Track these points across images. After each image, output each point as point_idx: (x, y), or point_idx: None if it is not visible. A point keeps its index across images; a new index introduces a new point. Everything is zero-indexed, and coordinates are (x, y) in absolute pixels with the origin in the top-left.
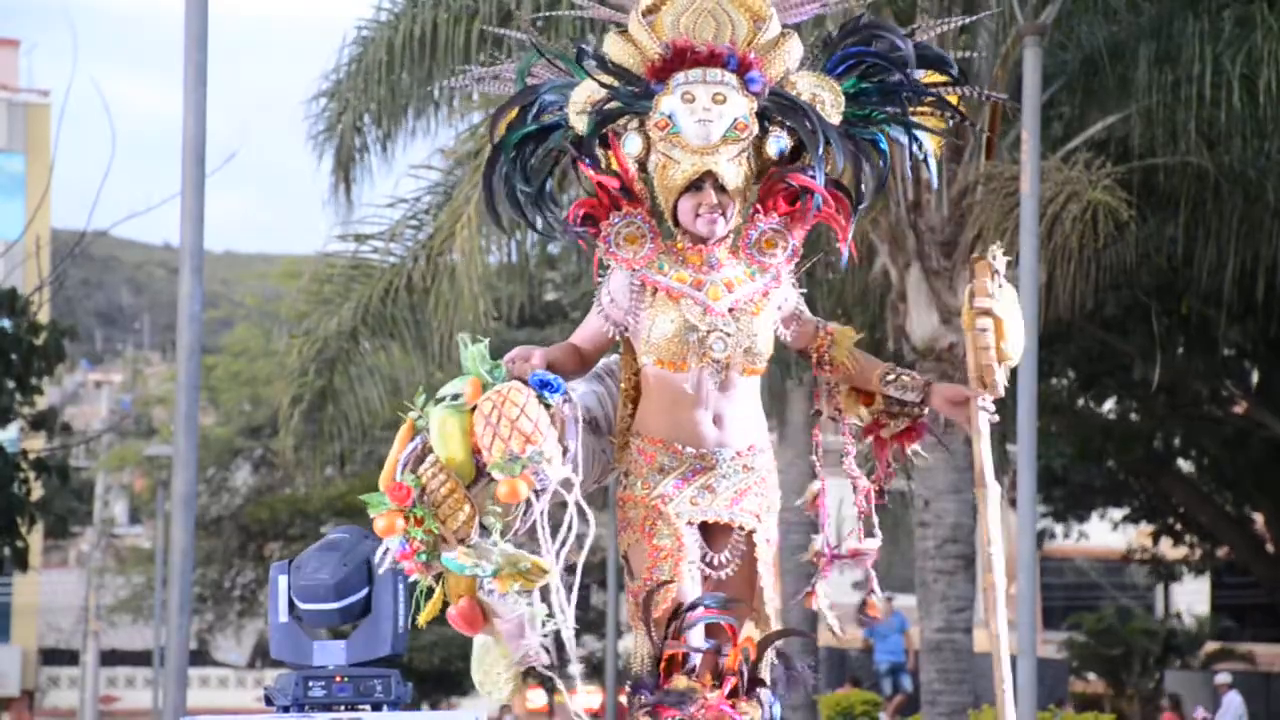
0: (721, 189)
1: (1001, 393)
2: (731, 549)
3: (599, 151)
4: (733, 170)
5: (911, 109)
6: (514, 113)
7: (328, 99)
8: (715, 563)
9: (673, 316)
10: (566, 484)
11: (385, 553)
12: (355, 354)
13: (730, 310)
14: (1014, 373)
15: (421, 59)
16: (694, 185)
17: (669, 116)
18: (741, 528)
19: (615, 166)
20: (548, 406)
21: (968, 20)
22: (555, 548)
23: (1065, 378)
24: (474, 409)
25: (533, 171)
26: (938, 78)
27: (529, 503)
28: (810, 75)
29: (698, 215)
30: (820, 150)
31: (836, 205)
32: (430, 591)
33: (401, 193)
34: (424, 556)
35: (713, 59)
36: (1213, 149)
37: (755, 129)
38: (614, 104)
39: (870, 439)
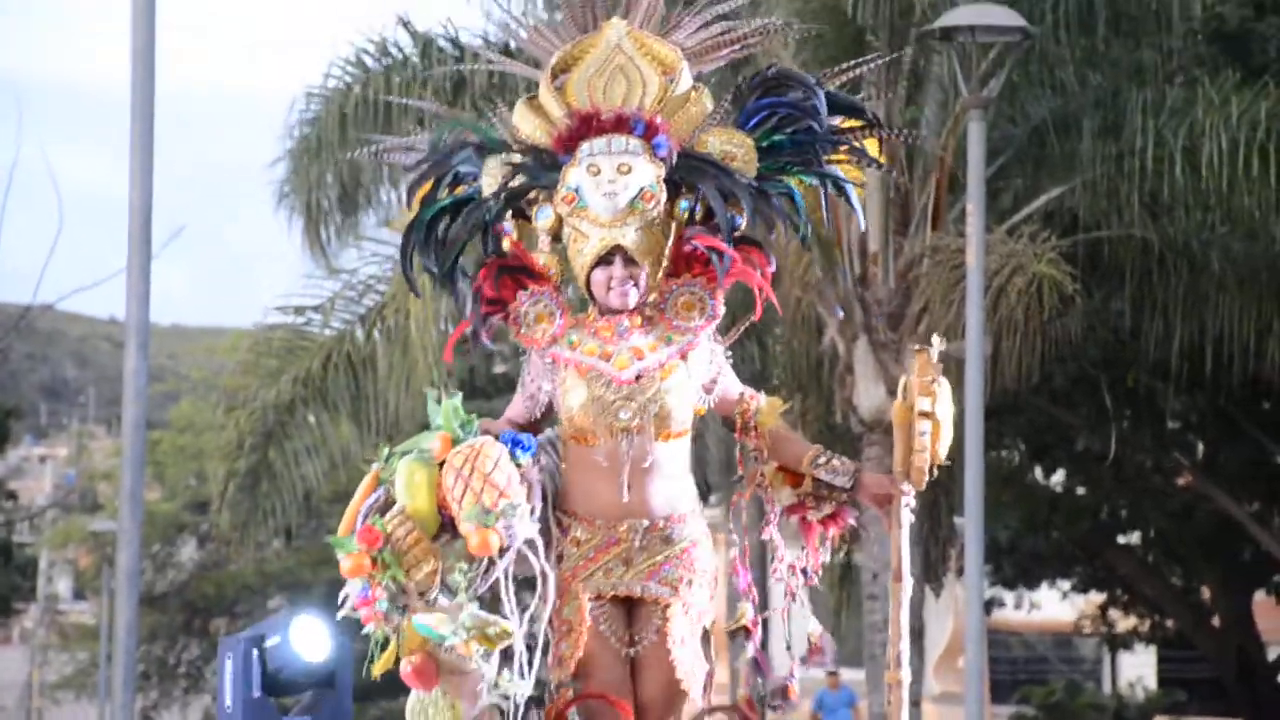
0: (632, 260)
1: (924, 486)
2: (647, 624)
3: (510, 223)
4: (641, 240)
5: (828, 157)
6: (427, 186)
7: (288, 168)
8: (631, 639)
9: (581, 390)
10: (532, 544)
11: (344, 598)
12: (293, 427)
13: (638, 378)
14: (960, 444)
15: (374, 126)
16: (604, 259)
17: (575, 190)
18: (656, 601)
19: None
20: (518, 465)
21: (864, 64)
22: (521, 610)
23: (1013, 449)
24: (443, 463)
25: (447, 245)
26: (854, 123)
27: (492, 560)
28: (721, 132)
29: (609, 288)
30: (725, 209)
31: (751, 259)
32: (386, 642)
33: (345, 263)
34: (384, 606)
35: (619, 125)
36: (1157, 221)
37: (663, 196)
38: (521, 180)
39: (795, 519)
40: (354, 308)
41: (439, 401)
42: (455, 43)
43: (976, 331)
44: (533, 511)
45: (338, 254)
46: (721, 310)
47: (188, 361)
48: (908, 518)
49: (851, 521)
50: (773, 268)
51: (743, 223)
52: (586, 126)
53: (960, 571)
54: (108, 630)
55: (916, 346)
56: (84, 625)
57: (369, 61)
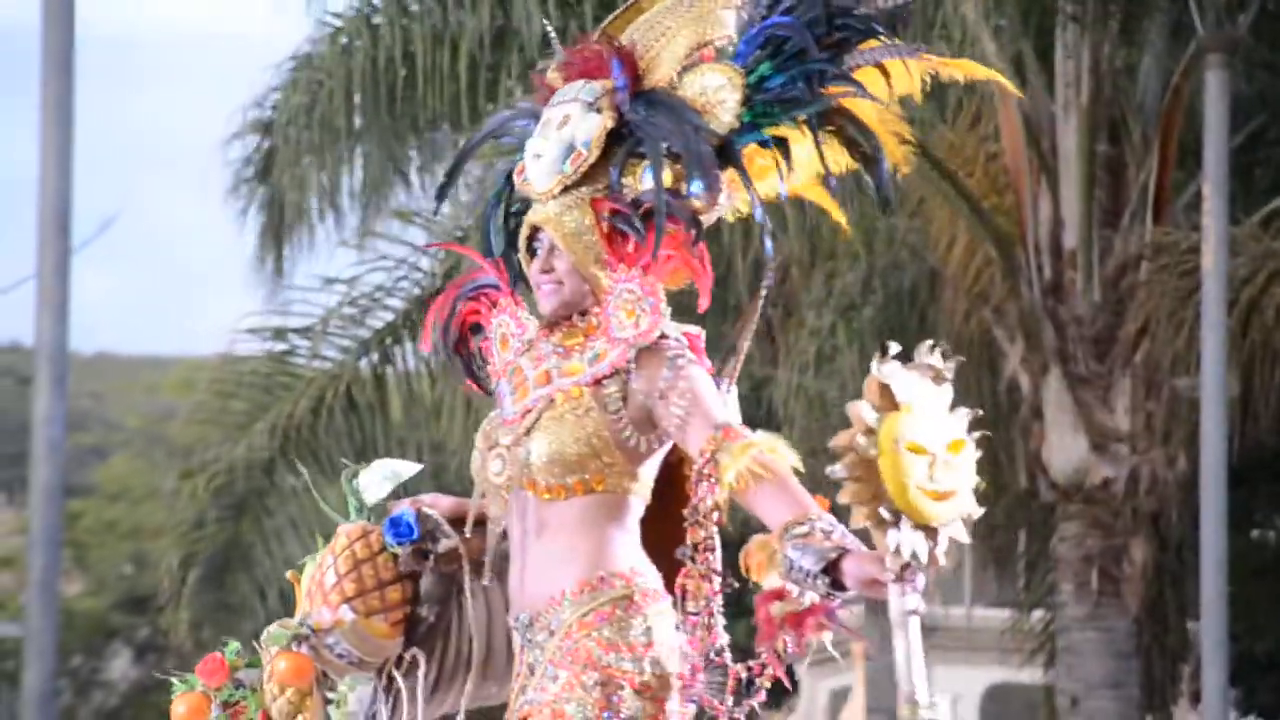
0: (553, 247)
1: (930, 563)
2: None
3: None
4: (567, 218)
5: (829, 90)
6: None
7: (254, 143)
8: None
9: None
10: (354, 661)
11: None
12: (272, 494)
13: (524, 414)
14: (1195, 522)
15: (382, 92)
16: (531, 247)
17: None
18: (526, 717)
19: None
20: (393, 554)
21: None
22: None
23: (1270, 527)
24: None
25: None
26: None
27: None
28: (712, 67)
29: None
30: (660, 170)
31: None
32: None
33: (339, 270)
34: None
35: (593, 66)
36: None
37: (594, 156)
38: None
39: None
40: (355, 330)
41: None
42: None
43: (1216, 362)
44: (405, 620)
45: (312, 261)
46: (663, 316)
47: (120, 404)
48: (900, 608)
49: (825, 625)
50: (693, 239)
51: (697, 190)
52: (570, 71)
53: (1196, 698)
54: None
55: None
56: None
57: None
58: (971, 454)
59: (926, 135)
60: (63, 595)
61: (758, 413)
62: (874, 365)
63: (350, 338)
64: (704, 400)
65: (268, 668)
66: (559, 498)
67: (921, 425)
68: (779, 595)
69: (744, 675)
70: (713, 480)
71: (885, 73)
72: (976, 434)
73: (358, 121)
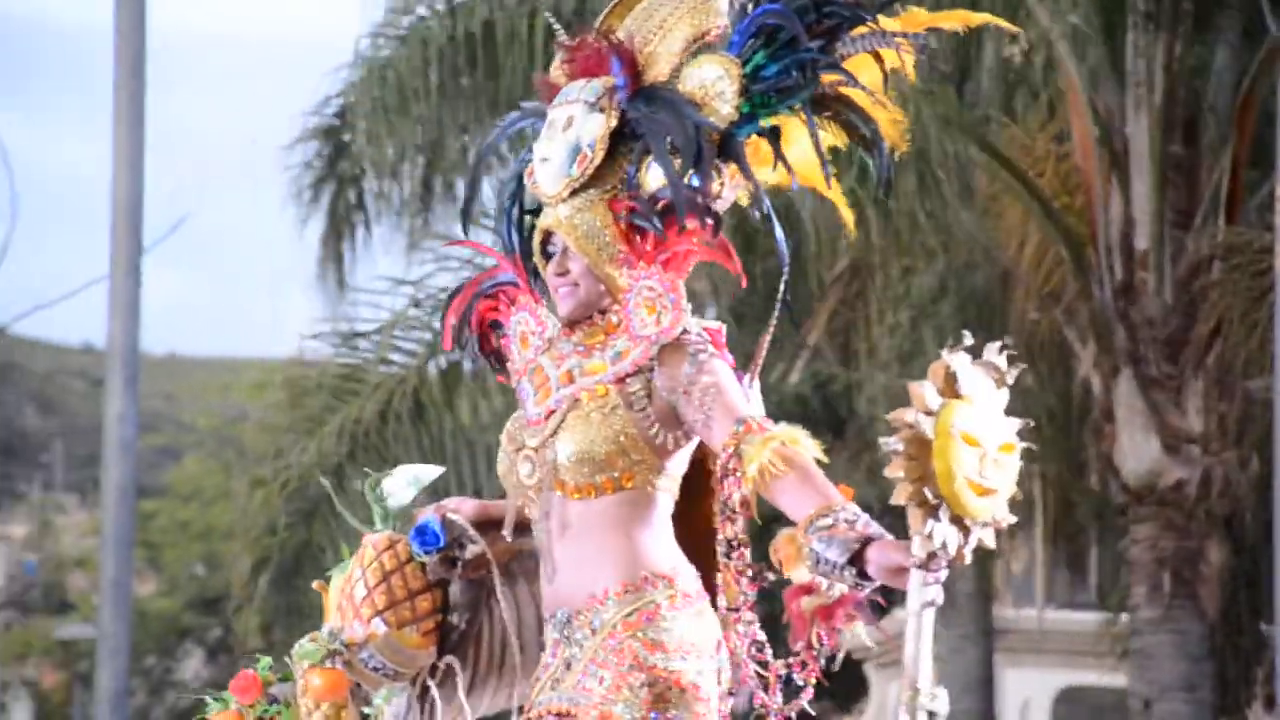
0: (565, 250)
1: (955, 557)
2: None
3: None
4: (578, 221)
5: (827, 80)
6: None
7: (319, 139)
8: None
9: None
10: (385, 672)
11: None
12: (342, 498)
13: (548, 415)
14: (1268, 524)
15: (461, 72)
16: (546, 250)
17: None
18: (567, 713)
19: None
20: (421, 564)
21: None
22: None
23: None
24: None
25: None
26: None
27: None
28: (709, 58)
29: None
30: (671, 164)
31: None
32: None
33: (405, 272)
34: None
35: (595, 64)
36: None
37: (599, 157)
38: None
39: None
40: (420, 334)
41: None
42: None
43: None
44: (437, 630)
45: (379, 262)
46: (684, 311)
47: (191, 404)
48: (919, 597)
49: (854, 616)
50: (714, 236)
51: (702, 183)
52: (571, 69)
53: (1270, 702)
54: None
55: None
56: None
57: None
58: (1017, 459)
59: (997, 135)
60: (135, 596)
61: (827, 411)
62: (944, 352)
63: (416, 340)
64: (726, 394)
65: (301, 683)
66: (588, 496)
67: (979, 419)
68: (808, 589)
69: (784, 672)
70: (737, 475)
71: (879, 58)
72: (1024, 444)
73: (426, 107)
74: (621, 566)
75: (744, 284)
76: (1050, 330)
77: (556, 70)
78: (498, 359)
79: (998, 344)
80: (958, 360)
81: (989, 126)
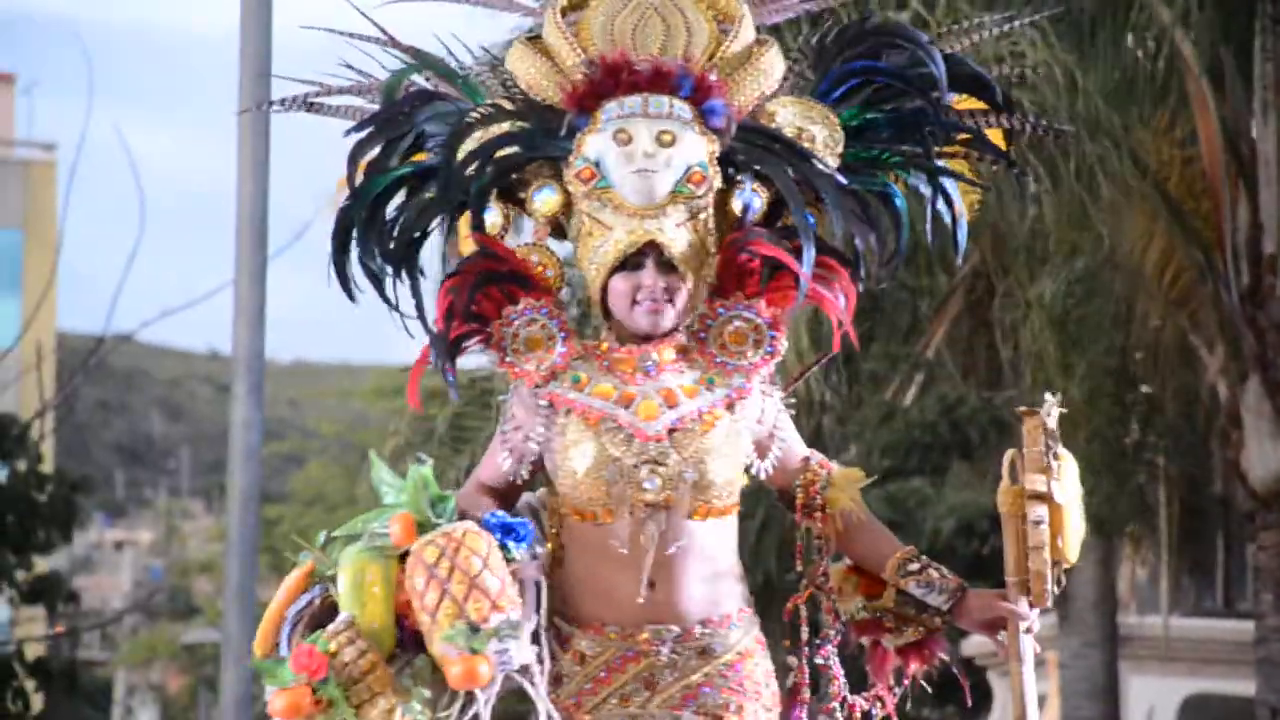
0: (669, 266)
1: (1049, 603)
2: None
3: (494, 206)
4: (684, 239)
5: (939, 149)
6: (377, 149)
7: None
8: None
9: (589, 447)
10: (527, 671)
11: None
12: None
13: (671, 432)
14: None
15: None
16: (631, 261)
17: (596, 164)
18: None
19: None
20: (509, 560)
21: (1018, 22)
22: None
23: None
24: (404, 555)
25: (399, 235)
26: (974, 104)
27: (470, 694)
28: (795, 102)
29: (635, 302)
30: (802, 207)
31: (831, 276)
32: None
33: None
34: None
35: (658, 80)
36: None
37: (716, 180)
38: (514, 151)
39: (865, 641)
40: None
41: (378, 465)
42: None
43: None
44: (534, 626)
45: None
46: (784, 346)
47: (316, 412)
48: (1029, 647)
49: (943, 656)
50: (859, 288)
51: (838, 229)
52: (613, 80)
53: None
54: None
55: (1023, 409)
56: None
57: None
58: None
59: (1124, 138)
60: (260, 600)
61: (956, 434)
62: (1052, 410)
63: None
64: (791, 428)
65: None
66: (703, 518)
67: (1063, 472)
68: (877, 626)
69: (864, 708)
70: (825, 511)
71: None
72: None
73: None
74: (739, 590)
75: (856, 346)
76: (1175, 335)
77: (577, 74)
78: (497, 348)
79: (1057, 396)
80: (1053, 419)
81: (1119, 130)
